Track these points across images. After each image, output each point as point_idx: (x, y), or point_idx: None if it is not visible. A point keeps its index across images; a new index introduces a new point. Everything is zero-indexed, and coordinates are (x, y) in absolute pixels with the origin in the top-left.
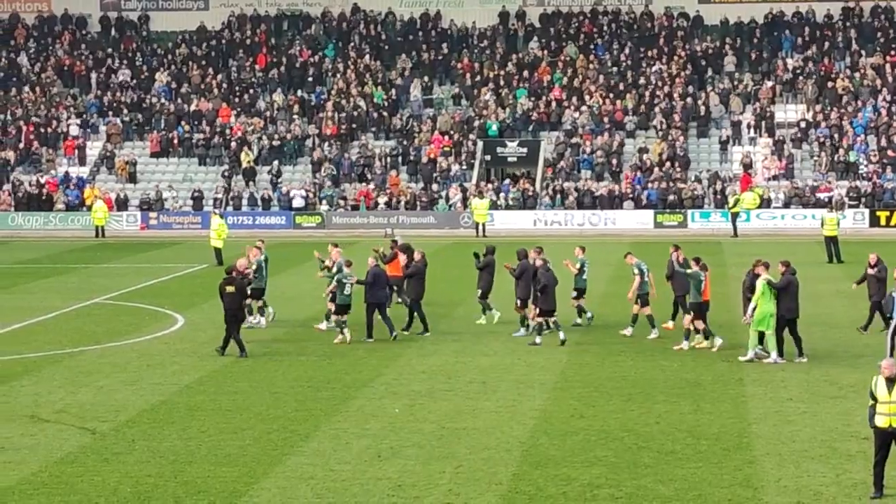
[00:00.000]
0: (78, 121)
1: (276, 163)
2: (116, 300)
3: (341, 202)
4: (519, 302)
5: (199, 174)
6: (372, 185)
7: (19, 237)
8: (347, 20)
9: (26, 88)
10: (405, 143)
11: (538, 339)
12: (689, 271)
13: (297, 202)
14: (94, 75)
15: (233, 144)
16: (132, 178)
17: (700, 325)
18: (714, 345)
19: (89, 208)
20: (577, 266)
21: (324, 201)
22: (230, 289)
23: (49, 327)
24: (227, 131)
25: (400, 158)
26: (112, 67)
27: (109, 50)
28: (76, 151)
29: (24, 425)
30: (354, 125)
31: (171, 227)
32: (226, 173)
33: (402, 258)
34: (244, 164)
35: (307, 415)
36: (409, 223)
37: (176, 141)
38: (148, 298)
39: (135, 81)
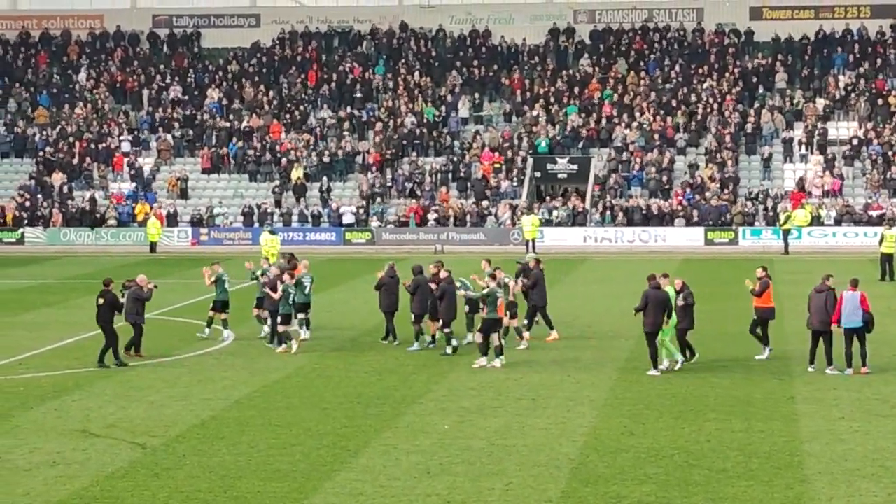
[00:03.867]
0: (130, 137)
1: (325, 179)
2: (167, 316)
3: (391, 218)
4: (413, 317)
5: (250, 190)
6: (422, 202)
7: (71, 253)
8: (397, 37)
9: (79, 105)
10: (455, 159)
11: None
12: (484, 291)
13: (347, 218)
14: (145, 91)
15: (283, 161)
16: (183, 194)
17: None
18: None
19: (141, 224)
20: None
21: (374, 217)
22: (101, 301)
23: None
24: (278, 147)
25: (450, 175)
26: (164, 84)
27: (161, 66)
28: (127, 167)
29: (76, 440)
30: (405, 142)
31: (221, 242)
32: (276, 189)
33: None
34: (294, 181)
35: (357, 431)
36: (458, 240)
37: (227, 157)
38: (199, 314)
39: (186, 98)
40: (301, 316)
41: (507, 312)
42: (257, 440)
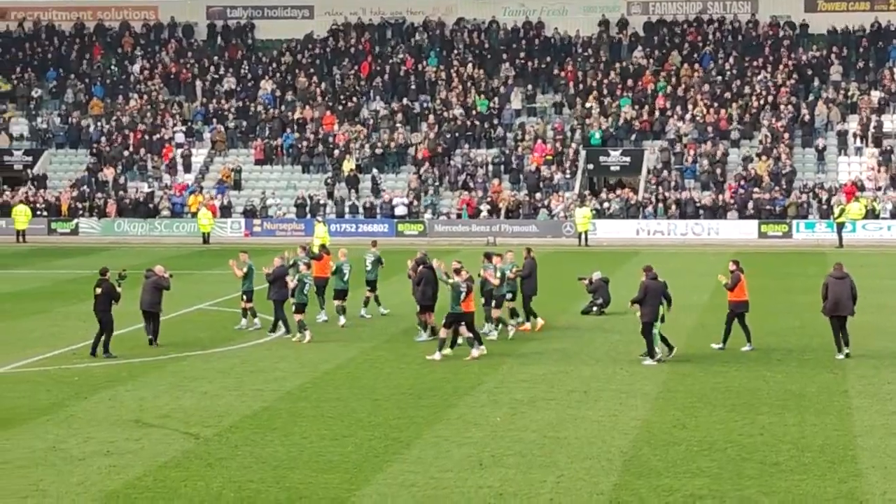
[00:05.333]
0: (183, 128)
1: (377, 171)
2: (220, 306)
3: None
4: (419, 307)
5: (303, 181)
6: (474, 194)
7: (125, 243)
8: (451, 29)
9: (133, 96)
10: (507, 151)
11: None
12: (450, 281)
13: (400, 210)
14: (199, 83)
15: (336, 152)
16: (236, 186)
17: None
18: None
19: (193, 215)
20: (499, 276)
21: (426, 209)
22: (98, 290)
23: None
24: (331, 139)
25: (502, 167)
26: (217, 75)
27: (215, 58)
28: (181, 159)
29: (129, 430)
30: (457, 134)
31: (274, 234)
32: (329, 181)
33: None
34: (347, 172)
35: (408, 422)
36: (510, 232)
37: (280, 148)
38: (264, 307)
39: (240, 89)
40: (338, 303)
41: (493, 302)
42: (309, 431)
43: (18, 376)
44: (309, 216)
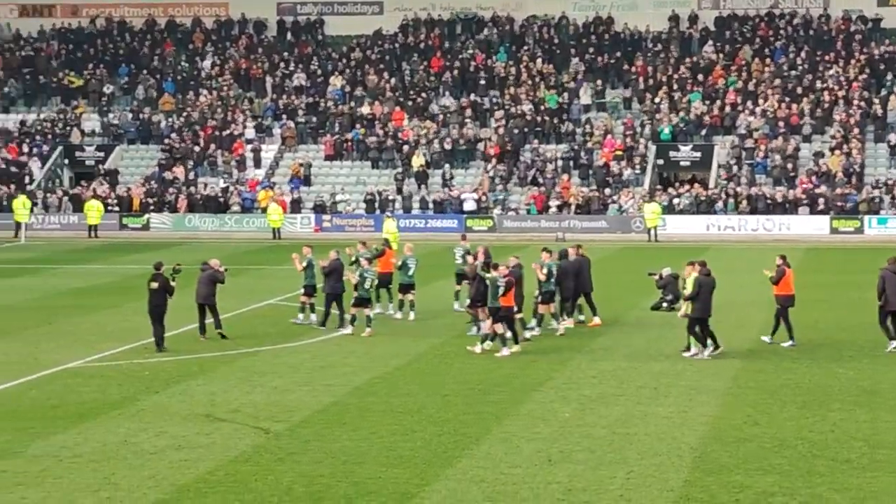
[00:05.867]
0: (253, 124)
1: (447, 166)
2: (290, 302)
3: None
4: (469, 301)
5: (372, 177)
6: (543, 189)
7: (195, 238)
8: (520, 24)
9: (204, 92)
10: (577, 147)
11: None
12: (489, 276)
13: (469, 205)
14: (269, 79)
15: (405, 147)
16: (306, 181)
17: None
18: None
19: (263, 211)
20: (545, 271)
21: (496, 205)
22: (154, 285)
23: (225, 327)
24: (400, 134)
25: (572, 162)
26: (288, 71)
27: (285, 54)
28: (252, 155)
29: (200, 424)
30: (526, 129)
31: (343, 229)
32: (398, 176)
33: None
34: (416, 168)
35: (477, 418)
36: (580, 227)
37: (350, 144)
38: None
39: (310, 85)
40: (404, 297)
41: (540, 298)
42: (378, 426)
43: (90, 371)
44: (378, 212)
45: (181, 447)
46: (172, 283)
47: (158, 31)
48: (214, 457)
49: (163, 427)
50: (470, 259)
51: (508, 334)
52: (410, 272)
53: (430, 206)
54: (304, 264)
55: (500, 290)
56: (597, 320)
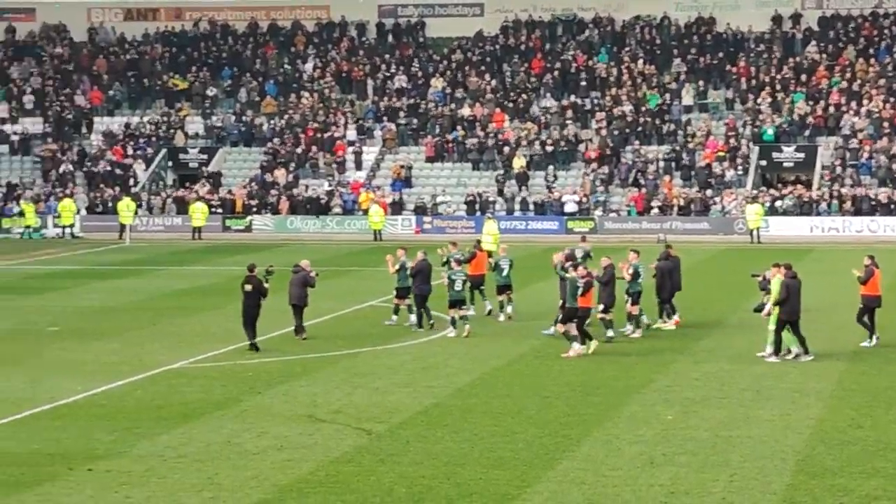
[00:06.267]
0: (355, 126)
1: (550, 168)
2: (391, 304)
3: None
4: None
5: (473, 179)
6: (645, 191)
7: (297, 240)
8: (621, 24)
9: (305, 94)
10: (678, 148)
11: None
12: (568, 276)
13: (570, 207)
14: (370, 81)
15: (506, 149)
16: (407, 183)
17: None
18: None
19: (365, 212)
20: (631, 271)
21: (597, 206)
22: (248, 287)
23: (326, 329)
24: (501, 136)
25: (673, 164)
26: (389, 73)
27: (386, 56)
28: (353, 157)
29: (303, 425)
30: (627, 130)
31: (444, 230)
32: (499, 178)
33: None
34: (517, 169)
35: (578, 420)
36: (681, 229)
37: (450, 145)
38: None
39: (411, 87)
40: (500, 298)
41: (628, 299)
42: (479, 428)
43: (194, 371)
44: (479, 213)
45: (283, 447)
46: (266, 285)
47: (261, 34)
48: (316, 457)
49: (265, 427)
50: (558, 256)
51: (574, 332)
52: (504, 273)
53: (531, 207)
54: (397, 266)
55: (580, 291)
56: (676, 319)
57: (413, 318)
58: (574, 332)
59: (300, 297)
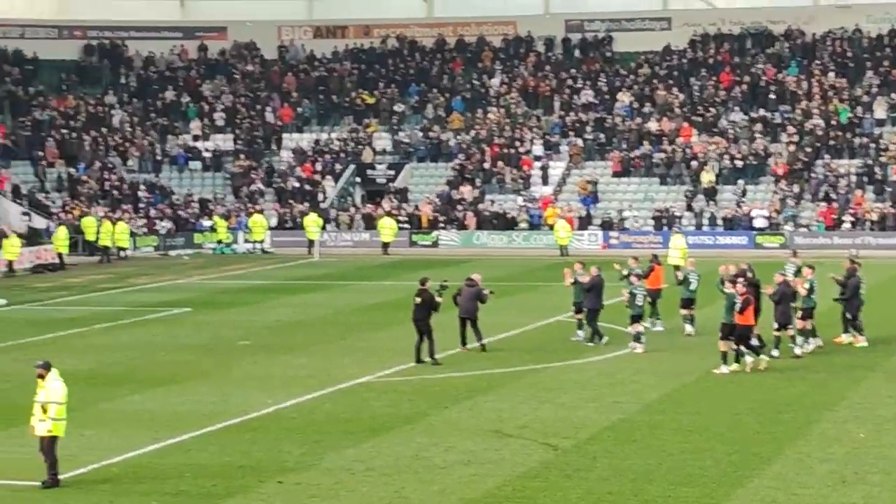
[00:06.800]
0: (541, 141)
1: (741, 182)
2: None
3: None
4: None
5: (660, 193)
6: (836, 205)
7: (483, 256)
8: (812, 37)
9: (492, 110)
10: (870, 162)
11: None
12: (727, 291)
13: (759, 222)
14: (557, 96)
15: (693, 164)
16: (594, 198)
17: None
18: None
19: (551, 227)
20: (807, 286)
21: (787, 221)
22: (418, 300)
23: (513, 343)
24: (688, 150)
25: (865, 178)
26: (575, 88)
27: (573, 71)
28: (540, 172)
29: (489, 440)
30: (818, 144)
31: (630, 245)
32: (687, 193)
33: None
34: (705, 184)
35: (769, 437)
36: (874, 244)
37: (637, 160)
38: (610, 316)
39: (597, 101)
40: (684, 312)
41: (800, 313)
42: (667, 444)
43: (383, 385)
44: (666, 228)
45: (470, 462)
46: (438, 299)
47: (448, 50)
48: (503, 472)
49: (452, 442)
50: (724, 269)
51: (734, 348)
52: (692, 287)
53: (719, 222)
54: (572, 280)
55: (736, 307)
56: (855, 337)
57: (581, 333)
58: (725, 348)
59: (470, 310)
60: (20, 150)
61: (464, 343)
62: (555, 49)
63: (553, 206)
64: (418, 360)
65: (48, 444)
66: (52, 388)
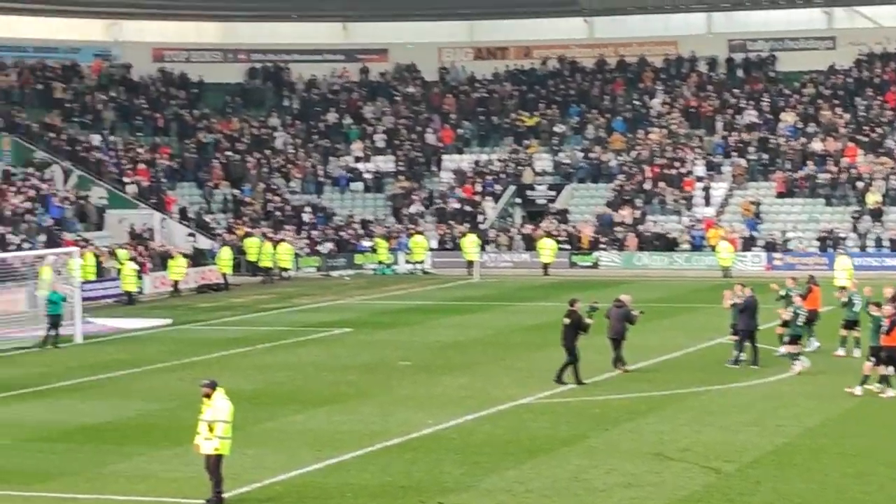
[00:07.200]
0: (703, 162)
1: None
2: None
3: None
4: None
5: (825, 215)
6: None
7: (644, 277)
8: None
9: (653, 130)
10: None
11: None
12: (873, 313)
13: None
14: (719, 116)
15: (859, 184)
16: (757, 219)
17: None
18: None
19: (713, 249)
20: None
21: None
22: (566, 320)
23: (674, 366)
24: (853, 171)
25: None
26: (738, 107)
27: (735, 91)
28: (702, 192)
29: (650, 462)
30: None
31: (794, 267)
32: (854, 214)
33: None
34: (871, 205)
35: None
36: None
37: (801, 181)
38: (769, 339)
39: (761, 122)
40: (844, 333)
41: None
42: (831, 469)
43: (541, 407)
44: (831, 250)
45: (630, 485)
46: (587, 321)
47: (608, 71)
48: (664, 496)
49: (613, 464)
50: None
51: (882, 370)
52: (855, 308)
53: (886, 244)
54: (732, 302)
55: (884, 329)
56: None
57: (736, 353)
58: (882, 371)
59: (619, 331)
60: (186, 172)
61: (616, 363)
62: (717, 69)
63: (716, 227)
64: (558, 380)
65: (214, 463)
66: (219, 407)
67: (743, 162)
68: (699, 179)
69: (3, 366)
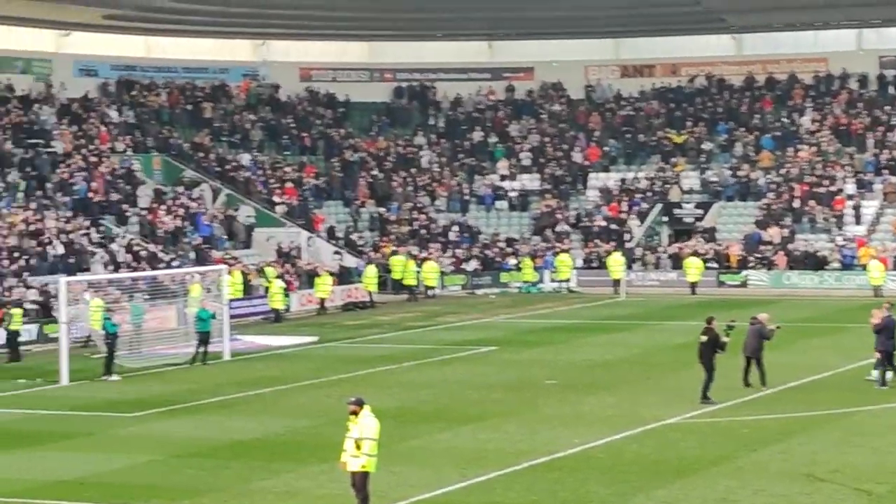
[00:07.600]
0: (854, 179)
1: None
2: None
3: None
4: None
5: None
6: None
7: (793, 296)
8: None
9: (803, 148)
10: None
11: None
12: None
13: None
14: (870, 133)
15: None
16: None
17: None
18: None
19: (863, 267)
20: None
21: None
22: (703, 338)
23: (823, 386)
24: None
25: None
26: (890, 125)
27: (887, 107)
28: (853, 211)
29: (801, 483)
30: None
31: None
32: None
33: None
34: None
35: None
36: None
37: None
38: None
39: None
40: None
41: None
42: None
43: (689, 426)
44: None
45: None
46: (724, 339)
47: (757, 88)
48: None
49: (762, 485)
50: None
51: None
52: None
53: None
54: (878, 321)
55: None
56: None
57: (875, 373)
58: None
59: (755, 349)
60: (332, 191)
61: (746, 382)
62: (868, 85)
63: (868, 245)
64: (704, 399)
65: (361, 480)
66: (366, 425)
67: (894, 179)
68: (850, 197)
69: (153, 382)
